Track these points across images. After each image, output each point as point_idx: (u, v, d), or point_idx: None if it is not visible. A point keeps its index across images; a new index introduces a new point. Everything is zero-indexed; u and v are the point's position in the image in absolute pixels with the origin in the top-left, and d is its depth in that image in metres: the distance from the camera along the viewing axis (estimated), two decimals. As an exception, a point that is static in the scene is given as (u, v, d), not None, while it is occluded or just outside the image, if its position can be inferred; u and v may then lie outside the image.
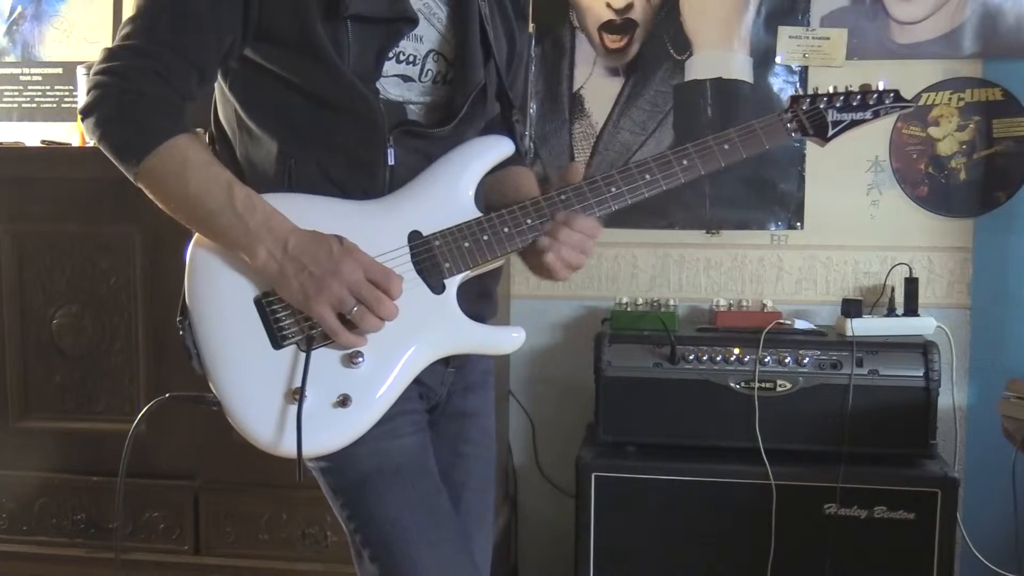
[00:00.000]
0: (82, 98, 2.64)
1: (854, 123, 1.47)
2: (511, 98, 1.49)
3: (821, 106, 1.46)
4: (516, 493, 3.05)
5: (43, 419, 2.56)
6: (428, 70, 1.41)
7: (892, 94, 1.48)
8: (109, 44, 1.34)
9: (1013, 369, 2.62)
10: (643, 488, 2.47)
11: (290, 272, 1.28)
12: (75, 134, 2.80)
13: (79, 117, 1.32)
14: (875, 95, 1.47)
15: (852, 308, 2.59)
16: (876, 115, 1.47)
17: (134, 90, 1.27)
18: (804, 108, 1.46)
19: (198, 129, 1.36)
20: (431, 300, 1.34)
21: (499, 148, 1.44)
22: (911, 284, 2.65)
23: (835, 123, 1.46)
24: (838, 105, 1.46)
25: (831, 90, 1.47)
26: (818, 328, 2.65)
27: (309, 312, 1.29)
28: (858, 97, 1.46)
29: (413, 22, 1.36)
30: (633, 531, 2.47)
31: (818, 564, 2.41)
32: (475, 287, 1.43)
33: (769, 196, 2.86)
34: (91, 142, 1.32)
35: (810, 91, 1.48)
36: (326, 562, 2.43)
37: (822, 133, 1.46)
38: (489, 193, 1.48)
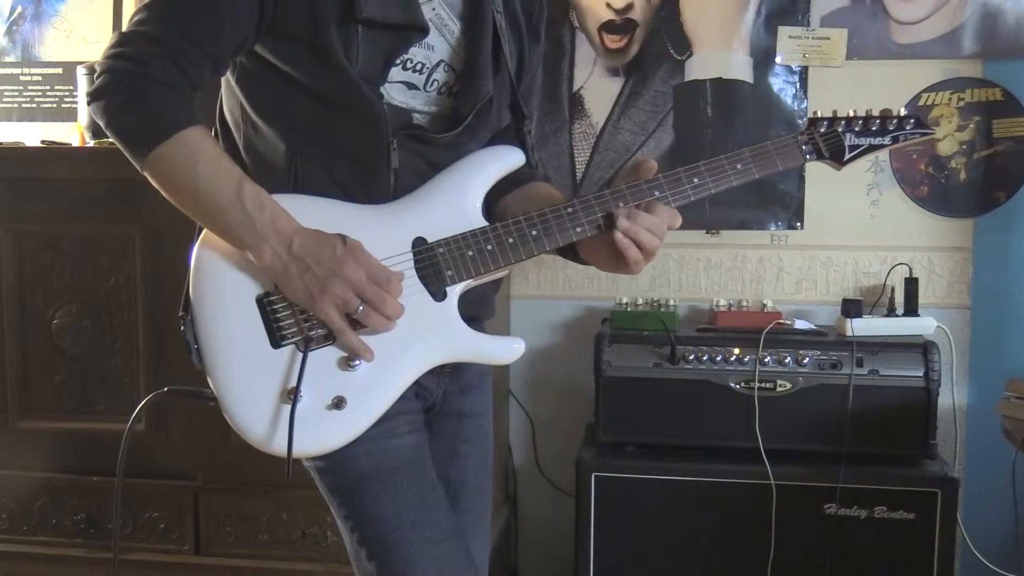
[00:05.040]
0: (83, 96, 2.66)
1: (872, 148, 1.44)
2: (524, 110, 1.49)
3: (839, 129, 1.44)
4: (516, 493, 3.05)
5: (43, 419, 2.56)
6: (434, 80, 1.41)
7: (913, 120, 1.45)
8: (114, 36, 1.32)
9: (1013, 369, 2.62)
10: (643, 488, 2.47)
11: (294, 272, 1.28)
12: (75, 134, 2.80)
13: (86, 100, 1.30)
14: (895, 120, 1.44)
15: (852, 308, 2.59)
16: (895, 140, 1.45)
17: (148, 76, 1.26)
18: (821, 131, 1.44)
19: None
20: (432, 307, 1.34)
21: (508, 159, 1.43)
22: (911, 284, 2.65)
23: (852, 147, 1.44)
24: (857, 129, 1.44)
25: (850, 114, 1.45)
26: (818, 328, 2.65)
27: (315, 312, 1.29)
28: (877, 122, 1.44)
29: (424, 31, 1.36)
30: (633, 531, 2.47)
31: (818, 564, 2.41)
32: (475, 291, 1.42)
33: (769, 196, 2.86)
34: (100, 123, 1.29)
35: (828, 114, 1.45)
36: (326, 562, 2.43)
37: (838, 157, 1.44)
38: (516, 207, 1.47)
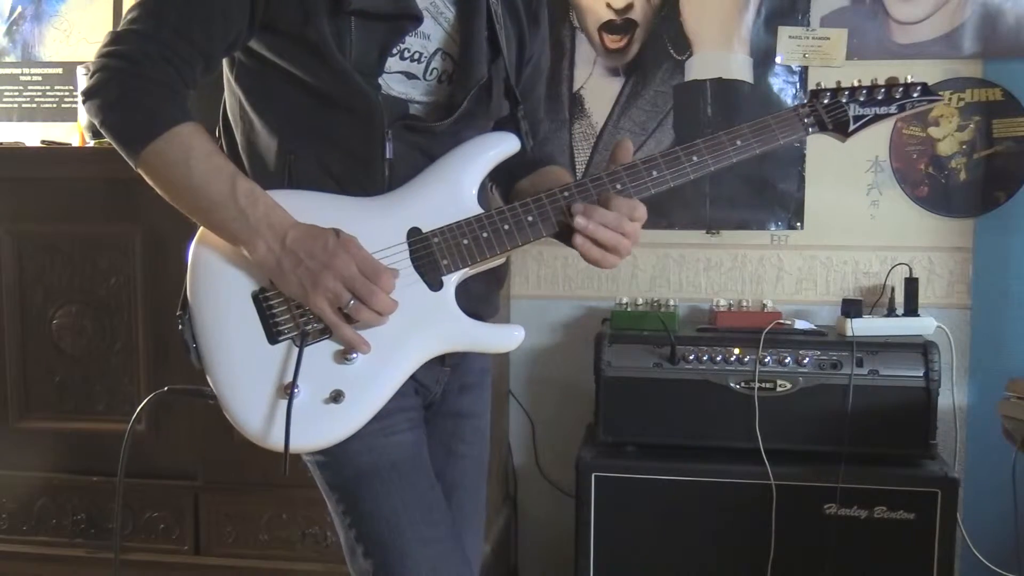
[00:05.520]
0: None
1: (878, 117, 1.41)
2: (518, 96, 1.47)
3: (843, 100, 1.40)
4: (516, 493, 3.05)
5: (43, 419, 2.56)
6: (434, 68, 1.40)
7: (920, 87, 1.42)
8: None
9: (1013, 369, 2.62)
10: (643, 488, 2.47)
11: (287, 266, 1.28)
12: (75, 134, 2.80)
13: (81, 99, 1.30)
14: (901, 88, 1.41)
15: (852, 308, 2.59)
16: (902, 109, 1.41)
17: (141, 74, 1.26)
18: (824, 102, 1.41)
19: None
20: (428, 297, 1.34)
21: (502, 145, 1.42)
22: (911, 284, 2.65)
23: (857, 118, 1.40)
24: (861, 99, 1.40)
25: (855, 83, 1.41)
26: (818, 328, 2.65)
27: (309, 306, 1.29)
28: (883, 91, 1.41)
29: (417, 19, 1.35)
30: (633, 531, 2.47)
31: (818, 564, 2.41)
32: (476, 288, 1.42)
33: (769, 196, 2.86)
34: (94, 122, 1.29)
35: (832, 84, 1.42)
36: (326, 562, 2.43)
37: (842, 128, 1.40)
38: (526, 193, 1.46)
